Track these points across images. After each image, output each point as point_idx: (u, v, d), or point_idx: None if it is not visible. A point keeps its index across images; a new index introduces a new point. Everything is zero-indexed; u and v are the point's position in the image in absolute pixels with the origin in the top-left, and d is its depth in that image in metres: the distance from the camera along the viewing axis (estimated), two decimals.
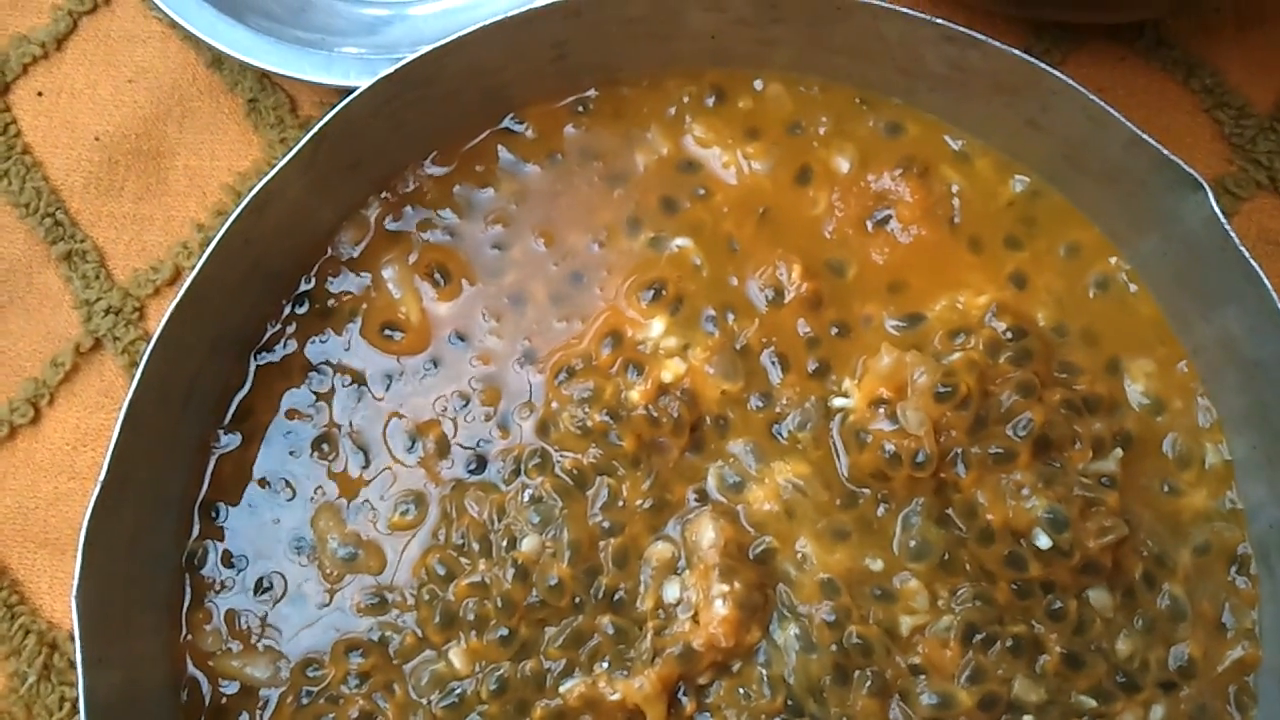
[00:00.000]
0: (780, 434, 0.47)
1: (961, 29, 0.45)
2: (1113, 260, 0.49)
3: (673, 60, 0.51)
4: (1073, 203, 0.50)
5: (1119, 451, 0.46)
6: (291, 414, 0.48)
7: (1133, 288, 0.49)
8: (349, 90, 0.51)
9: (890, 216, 0.50)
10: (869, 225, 0.50)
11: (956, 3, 0.57)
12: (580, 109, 0.51)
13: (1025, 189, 0.50)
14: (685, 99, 0.51)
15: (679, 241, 0.50)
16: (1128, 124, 0.44)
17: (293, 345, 0.49)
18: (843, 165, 0.50)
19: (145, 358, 0.43)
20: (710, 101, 0.51)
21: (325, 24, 0.55)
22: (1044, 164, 0.49)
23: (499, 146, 0.51)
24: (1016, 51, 0.44)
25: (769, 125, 0.51)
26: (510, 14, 0.45)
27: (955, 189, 0.50)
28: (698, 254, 0.50)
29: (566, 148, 0.51)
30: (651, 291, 0.49)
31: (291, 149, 0.45)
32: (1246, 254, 0.42)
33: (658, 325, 0.48)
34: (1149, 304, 0.49)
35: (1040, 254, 0.50)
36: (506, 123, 0.51)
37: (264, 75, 0.56)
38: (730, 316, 0.49)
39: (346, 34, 0.55)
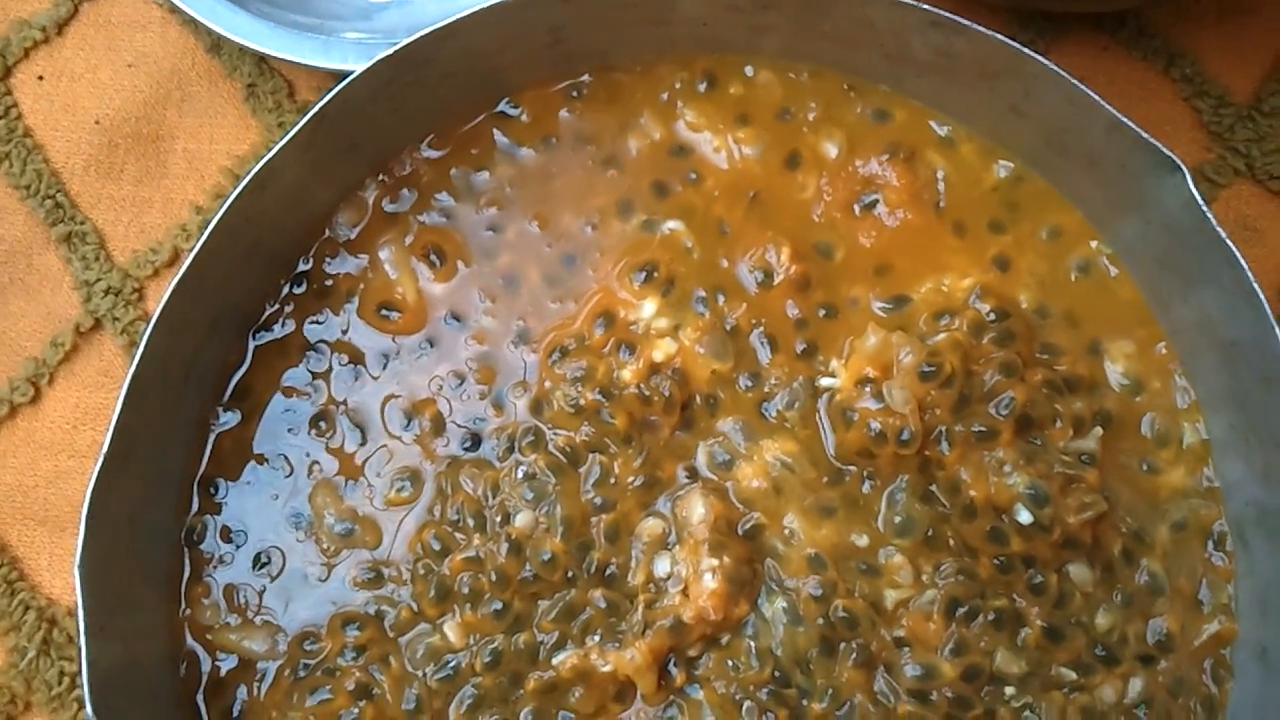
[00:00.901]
0: (769, 413, 0.48)
1: (947, 15, 0.46)
2: (1093, 244, 0.50)
3: (666, 46, 0.52)
4: (1055, 187, 0.51)
5: (1099, 430, 0.47)
6: (290, 392, 0.49)
7: (1113, 271, 0.50)
8: (347, 75, 0.52)
9: (877, 201, 0.51)
10: (856, 209, 0.51)
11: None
12: (575, 94, 0.52)
13: (1009, 174, 0.51)
14: (678, 85, 0.52)
15: (671, 224, 0.51)
16: (1108, 108, 0.45)
17: (291, 325, 0.49)
18: (831, 150, 0.51)
19: (146, 335, 0.44)
20: (702, 87, 0.52)
21: (324, 9, 0.56)
22: (1027, 149, 0.50)
23: (494, 130, 0.52)
24: (1000, 37, 0.45)
25: (759, 111, 0.52)
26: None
27: (940, 174, 0.51)
28: (689, 237, 0.50)
29: (561, 132, 0.52)
30: (643, 273, 0.50)
31: (291, 129, 0.45)
32: (1224, 235, 0.43)
33: (649, 306, 0.49)
34: (1129, 286, 0.50)
35: (1023, 237, 0.51)
36: (502, 107, 0.52)
37: (262, 60, 0.57)
38: (720, 298, 0.49)
39: (345, 19, 0.56)
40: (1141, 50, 0.58)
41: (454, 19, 0.46)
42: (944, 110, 0.51)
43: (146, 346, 0.44)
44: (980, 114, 0.50)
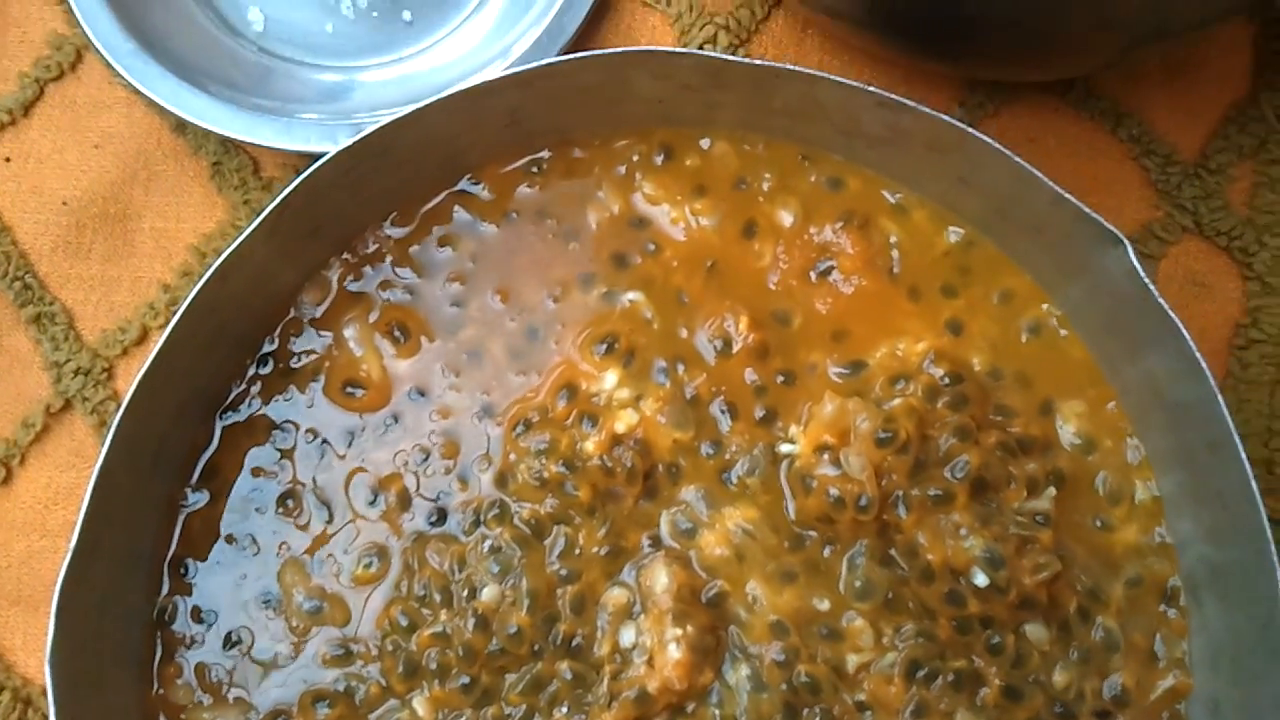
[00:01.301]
0: (730, 480, 0.49)
1: (893, 96, 0.47)
2: (1044, 306, 0.52)
3: (623, 121, 0.53)
4: (1005, 252, 0.52)
5: (1052, 490, 0.48)
6: (257, 472, 0.50)
7: (1063, 332, 0.51)
8: (309, 154, 0.54)
9: (833, 267, 0.52)
10: (812, 276, 0.52)
11: (893, 61, 0.59)
12: (534, 169, 0.53)
13: (960, 239, 0.52)
14: (635, 157, 0.53)
15: (630, 296, 0.52)
16: (1050, 184, 0.46)
17: (257, 405, 0.50)
18: (786, 219, 0.53)
19: (115, 423, 0.45)
20: (659, 160, 0.53)
21: (285, 91, 0.57)
22: (976, 216, 0.52)
23: (456, 207, 0.53)
24: (945, 117, 0.47)
25: (715, 182, 0.53)
26: (465, 87, 0.47)
27: (894, 240, 0.52)
28: (649, 307, 0.51)
29: (521, 207, 0.53)
30: (605, 345, 0.51)
31: (255, 219, 0.46)
32: (1165, 306, 0.45)
33: (611, 377, 0.50)
34: (1079, 347, 0.51)
35: (975, 301, 0.52)
36: (463, 184, 0.53)
37: (227, 139, 0.58)
38: (681, 367, 0.50)
39: (305, 101, 0.57)
40: (1090, 110, 0.59)
41: (414, 109, 0.47)
42: (896, 178, 0.53)
43: (114, 435, 0.45)
44: (930, 183, 0.52)
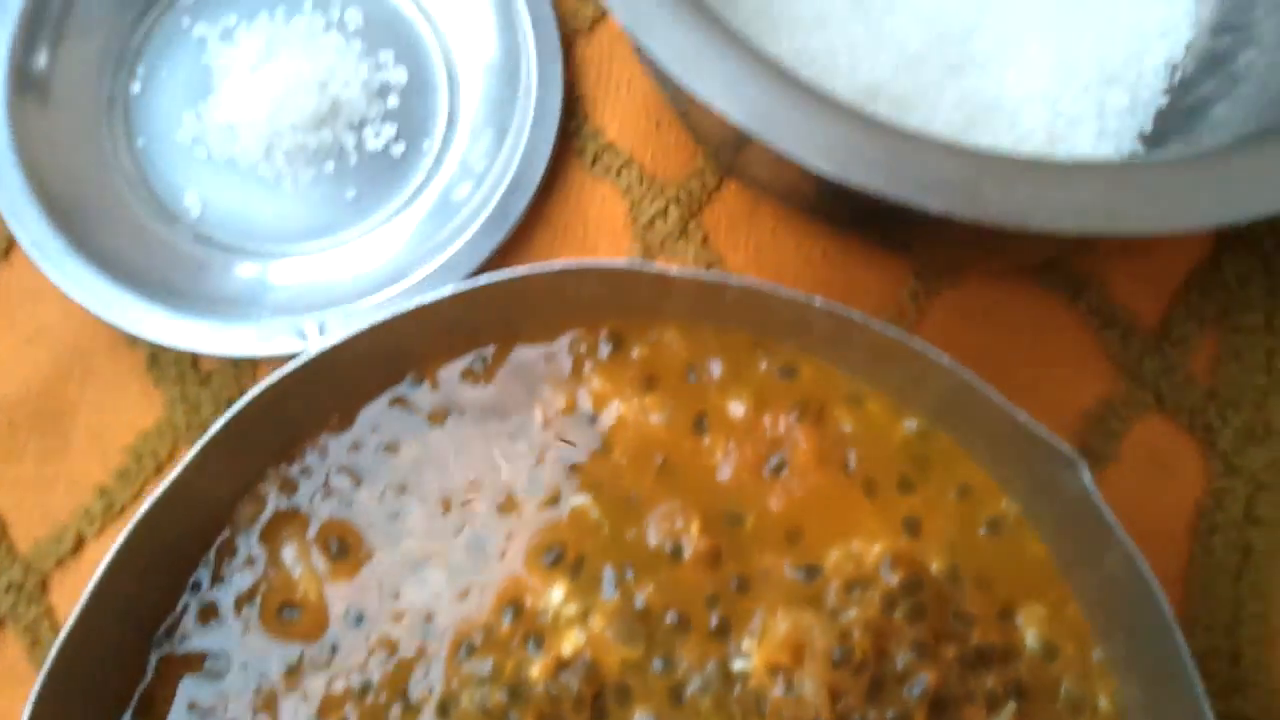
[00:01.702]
0: (682, 699, 0.48)
1: (840, 311, 0.46)
2: (1002, 503, 0.50)
3: (569, 315, 0.52)
4: (960, 445, 0.51)
5: (1012, 705, 0.47)
6: (192, 706, 0.48)
7: (1021, 530, 0.50)
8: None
9: (786, 463, 0.51)
10: (765, 473, 0.51)
11: (843, 236, 0.58)
12: (478, 365, 0.52)
13: (915, 430, 0.51)
14: (583, 348, 0.52)
15: (578, 500, 0.50)
16: (1003, 405, 0.45)
17: (190, 633, 0.48)
18: (738, 410, 0.51)
19: (47, 666, 0.43)
20: (606, 352, 0.52)
21: (220, 287, 0.55)
22: (931, 409, 0.50)
23: (398, 408, 0.51)
24: (892, 333, 0.46)
25: (665, 372, 0.52)
26: (417, 305, 0.46)
27: (848, 430, 0.51)
28: (597, 509, 0.50)
29: (465, 406, 0.51)
30: (552, 555, 0.49)
31: (193, 448, 0.45)
32: (1121, 534, 0.43)
33: (558, 592, 0.49)
34: (1038, 546, 0.50)
35: (932, 497, 0.50)
36: (405, 385, 0.51)
37: None
38: (630, 574, 0.49)
39: (240, 300, 0.55)
40: (1049, 282, 0.58)
41: (363, 328, 0.46)
42: (848, 370, 0.51)
43: (47, 675, 0.43)
44: (882, 379, 0.50)
